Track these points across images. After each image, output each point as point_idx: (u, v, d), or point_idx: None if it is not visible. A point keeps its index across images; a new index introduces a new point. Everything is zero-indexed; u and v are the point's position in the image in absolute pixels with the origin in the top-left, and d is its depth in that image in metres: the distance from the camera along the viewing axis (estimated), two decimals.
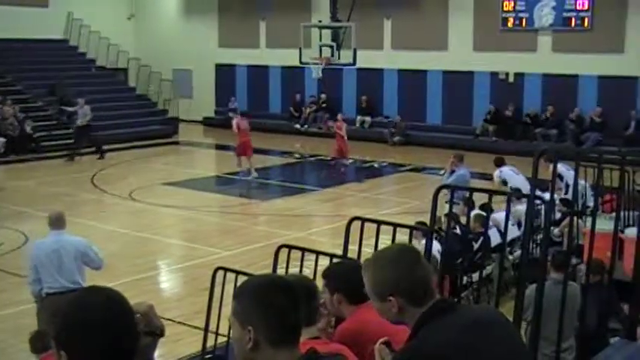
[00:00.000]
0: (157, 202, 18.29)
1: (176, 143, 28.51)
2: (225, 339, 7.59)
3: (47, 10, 31.59)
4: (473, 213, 10.76)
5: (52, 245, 8.69)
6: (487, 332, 2.79)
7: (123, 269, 12.96)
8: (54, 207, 17.21)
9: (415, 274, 2.87)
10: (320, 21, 24.46)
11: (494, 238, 10.78)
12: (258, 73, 31.54)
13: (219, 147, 28.47)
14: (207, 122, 32.67)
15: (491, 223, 9.84)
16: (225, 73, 32.56)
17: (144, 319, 2.43)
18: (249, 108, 31.81)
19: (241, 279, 7.35)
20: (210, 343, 8.01)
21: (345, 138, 21.87)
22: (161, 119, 30.65)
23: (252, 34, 31.45)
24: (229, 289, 7.49)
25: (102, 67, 32.20)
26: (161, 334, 2.50)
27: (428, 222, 7.19)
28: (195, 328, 9.62)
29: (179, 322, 9.95)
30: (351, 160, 23.89)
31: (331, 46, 22.80)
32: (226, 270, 7.63)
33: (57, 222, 8.88)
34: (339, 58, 22.83)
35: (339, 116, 23.11)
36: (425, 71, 27.43)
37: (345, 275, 4.26)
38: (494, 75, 26.24)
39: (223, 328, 7.48)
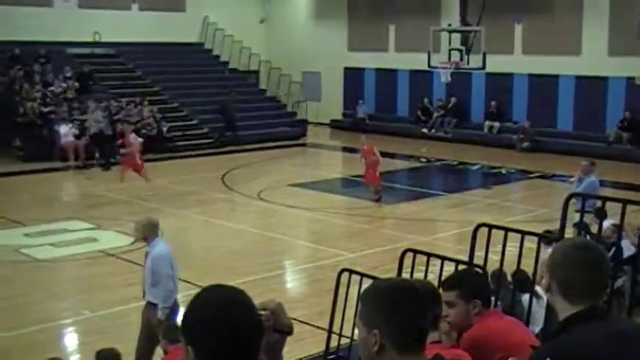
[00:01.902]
0: (284, 202, 18.62)
1: (304, 145, 28.91)
2: (348, 340, 7.67)
3: (184, 14, 32.73)
4: (607, 223, 10.45)
5: (170, 250, 8.84)
6: (633, 344, 2.76)
7: (249, 268, 13.29)
8: (186, 205, 17.92)
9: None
10: (449, 25, 24.30)
11: (628, 250, 10.43)
12: (387, 77, 31.59)
13: (346, 149, 28.68)
14: (334, 125, 32.97)
15: (624, 234, 9.53)
16: (353, 76, 32.78)
17: (273, 316, 2.50)
18: (376, 111, 32.02)
19: (366, 281, 7.43)
20: (333, 343, 8.11)
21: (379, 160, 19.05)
22: (290, 121, 31.16)
23: (381, 38, 31.54)
24: (354, 291, 7.59)
25: (234, 70, 33.06)
26: (289, 331, 2.55)
27: (556, 231, 7.05)
28: (319, 328, 9.76)
29: (302, 322, 10.11)
30: (477, 166, 23.60)
31: (460, 50, 22.61)
32: (351, 272, 7.71)
33: (157, 228, 8.91)
34: (468, 63, 22.61)
35: (364, 137, 20.08)
36: (556, 76, 26.75)
37: (481, 283, 4.25)
38: (629, 80, 25.32)
39: (347, 330, 7.57)
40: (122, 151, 20.46)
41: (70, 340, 10.56)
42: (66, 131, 24.08)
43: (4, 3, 28.00)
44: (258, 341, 2.34)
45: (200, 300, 2.32)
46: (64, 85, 26.76)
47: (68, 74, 27.35)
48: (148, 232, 8.66)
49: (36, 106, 24.87)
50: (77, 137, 24.33)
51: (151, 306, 8.75)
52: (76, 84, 27.02)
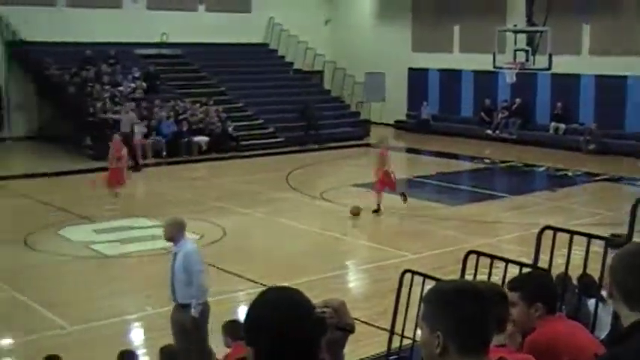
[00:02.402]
0: (346, 202, 18.66)
1: (367, 145, 28.91)
2: (410, 341, 7.69)
3: (250, 15, 33.06)
4: None
5: (197, 248, 8.79)
6: None
7: (312, 267, 13.38)
8: (250, 204, 18.08)
9: None
10: (515, 25, 24.04)
11: None
12: (451, 78, 31.39)
13: (409, 150, 28.62)
14: (398, 125, 32.89)
15: None
16: (417, 76, 32.66)
17: (336, 314, 2.55)
18: (440, 112, 31.83)
19: (429, 282, 7.45)
20: (395, 344, 8.13)
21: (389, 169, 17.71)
22: (353, 121, 31.19)
23: (445, 39, 31.36)
24: (416, 292, 7.61)
25: (299, 70, 33.25)
26: (351, 330, 2.60)
27: (624, 235, 6.96)
28: (380, 328, 9.79)
29: (364, 322, 10.15)
30: (542, 168, 23.31)
31: (526, 51, 22.36)
32: (414, 273, 7.72)
33: (185, 227, 8.75)
34: (533, 63, 22.35)
35: (383, 144, 18.70)
36: (624, 77, 26.23)
37: (545, 286, 4.23)
38: None
39: (409, 331, 7.59)
40: (115, 164, 18.79)
41: (134, 335, 10.77)
42: (136, 131, 24.53)
43: (76, 5, 28.72)
44: (317, 341, 2.38)
45: (260, 301, 2.38)
46: (133, 85, 27.31)
47: (136, 74, 27.90)
48: (175, 233, 8.52)
49: (107, 106, 25.41)
50: (145, 136, 24.80)
51: (182, 308, 8.60)
52: (144, 84, 27.54)
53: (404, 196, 17.71)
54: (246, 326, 2.37)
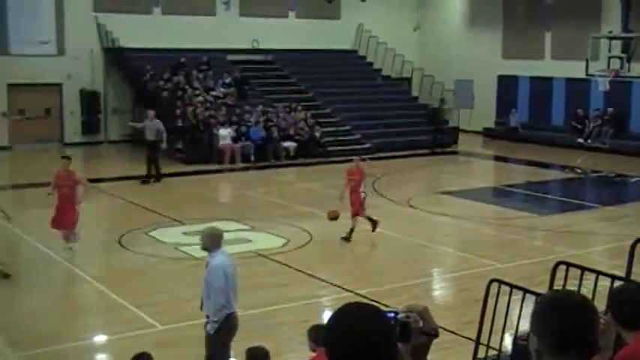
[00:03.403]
0: (433, 210, 18.59)
1: (455, 153, 28.70)
2: (495, 352, 7.63)
3: (339, 22, 33.26)
4: None
5: (230, 262, 8.47)
6: None
7: (396, 274, 13.38)
8: (334, 209, 18.16)
9: None
10: (610, 32, 23.51)
11: None
12: (541, 85, 30.87)
13: (498, 158, 28.30)
14: (486, 133, 32.53)
15: None
16: (507, 83, 32.24)
17: (420, 319, 2.60)
18: (530, 120, 31.35)
19: (516, 293, 7.39)
20: (480, 354, 8.07)
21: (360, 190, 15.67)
22: (443, 129, 30.98)
23: (536, 45, 30.87)
24: (503, 302, 7.56)
25: (387, 77, 33.25)
26: (436, 334, 2.65)
27: None
28: (465, 338, 9.73)
29: (449, 331, 10.09)
30: (636, 179, 22.71)
31: (621, 58, 21.85)
32: (501, 282, 7.65)
33: (220, 239, 8.48)
34: (628, 71, 21.82)
35: (356, 160, 16.31)
36: None
37: (636, 300, 4.15)
38: None
39: (495, 342, 7.53)
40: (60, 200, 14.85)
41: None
42: (224, 135, 25.00)
43: (172, 12, 29.46)
44: (388, 348, 2.46)
45: (337, 312, 2.51)
46: (223, 90, 27.83)
47: (227, 80, 28.42)
48: (209, 244, 8.36)
49: (198, 111, 25.96)
50: (234, 140, 25.23)
51: (207, 320, 8.50)
52: (234, 90, 28.04)
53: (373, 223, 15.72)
54: (326, 334, 2.49)
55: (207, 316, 8.41)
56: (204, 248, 8.43)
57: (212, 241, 8.32)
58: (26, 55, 27.63)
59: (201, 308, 8.58)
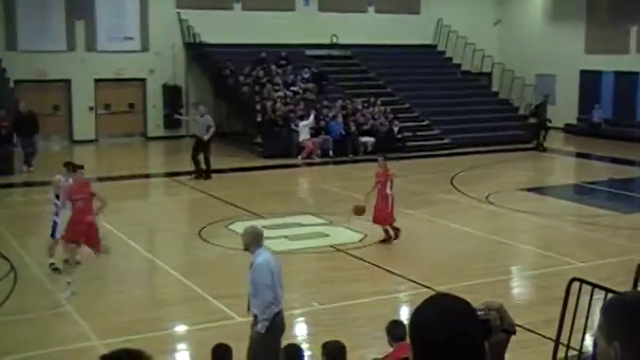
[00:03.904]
0: (513, 207, 18.36)
1: (536, 149, 28.25)
2: (576, 352, 7.52)
3: (419, 16, 33.10)
4: None
5: (274, 260, 8.30)
6: None
7: (474, 271, 13.29)
8: (414, 204, 18.12)
9: None
10: None
11: None
12: (626, 80, 30.12)
13: (580, 155, 27.73)
14: (568, 129, 31.92)
15: None
16: (589, 78, 31.55)
17: (499, 315, 2.60)
18: (613, 116, 30.63)
19: (598, 292, 7.27)
20: (560, 354, 7.97)
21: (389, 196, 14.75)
22: (522, 124, 30.54)
23: (621, 40, 30.12)
24: (584, 302, 7.44)
25: (467, 72, 32.93)
26: (514, 331, 2.64)
27: None
28: (545, 337, 9.61)
29: (528, 330, 9.98)
30: None
31: None
32: (582, 282, 7.54)
33: (262, 238, 8.35)
34: None
35: (380, 160, 15.45)
36: None
37: None
38: None
39: (575, 341, 7.43)
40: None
41: (299, 330, 11.06)
42: (303, 129, 25.16)
43: (252, 8, 29.80)
44: (481, 346, 2.41)
45: (425, 305, 2.43)
46: (302, 85, 28.02)
47: (306, 75, 28.60)
48: (250, 242, 8.25)
49: (277, 106, 26.22)
50: (313, 135, 25.38)
51: (255, 320, 8.38)
52: (313, 85, 28.20)
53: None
54: (411, 327, 2.42)
55: (255, 317, 8.30)
56: (245, 247, 8.29)
57: (252, 240, 8.22)
58: (112, 52, 28.38)
59: (248, 309, 8.48)
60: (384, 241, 14.92)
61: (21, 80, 26.56)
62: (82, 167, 13.17)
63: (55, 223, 12.68)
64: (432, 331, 2.36)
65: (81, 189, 12.51)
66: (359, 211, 14.94)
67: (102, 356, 2.71)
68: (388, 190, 14.77)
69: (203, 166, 21.76)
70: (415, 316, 2.43)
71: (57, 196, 12.85)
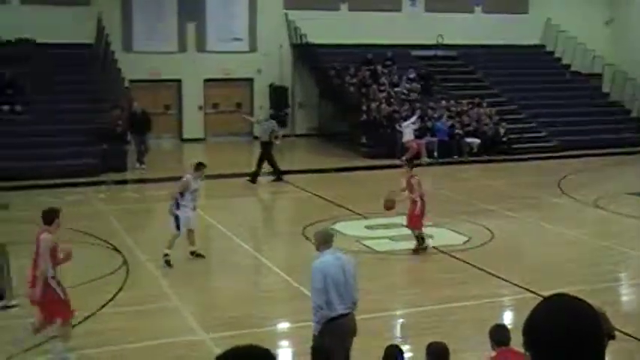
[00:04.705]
0: (622, 211, 17.89)
1: None
2: None
3: (527, 16, 32.56)
4: None
5: (336, 263, 8.05)
6: None
7: (579, 277, 13.03)
8: (520, 207, 17.91)
9: None
10: None
11: None
12: None
13: None
14: None
15: None
16: None
17: (602, 319, 2.61)
18: None
19: None
20: None
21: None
22: (635, 127, 29.63)
23: None
24: None
25: (576, 73, 32.17)
26: (613, 336, 2.66)
27: None
28: None
29: (635, 338, 9.73)
30: None
31: None
32: None
33: (330, 239, 8.24)
34: None
35: (407, 168, 15.01)
36: None
37: None
38: None
39: None
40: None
41: (399, 331, 11.09)
42: (408, 131, 25.13)
43: (358, 9, 29.99)
44: (603, 344, 2.35)
45: (544, 308, 2.37)
46: (408, 86, 28.01)
47: (411, 76, 28.58)
48: (318, 243, 8.19)
49: (382, 106, 26.30)
50: (418, 137, 25.33)
51: None
52: (419, 85, 28.15)
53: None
54: (526, 330, 2.36)
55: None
56: (317, 248, 8.27)
57: (319, 242, 8.19)
58: (221, 52, 29.07)
59: None
60: (417, 250, 14.37)
61: (135, 80, 27.52)
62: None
63: (177, 217, 13.32)
64: (559, 333, 2.28)
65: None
66: (389, 204, 14.41)
67: (230, 353, 2.42)
68: (415, 196, 14.24)
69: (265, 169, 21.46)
70: (537, 317, 2.35)
71: (181, 194, 13.39)
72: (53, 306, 9.15)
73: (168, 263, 13.20)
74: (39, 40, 25.84)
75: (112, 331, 10.32)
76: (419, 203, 14.19)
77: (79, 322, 10.25)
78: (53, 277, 9.13)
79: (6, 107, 23.57)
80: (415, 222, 14.30)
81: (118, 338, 10.07)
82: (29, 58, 25.03)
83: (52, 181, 20.12)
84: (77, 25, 26.56)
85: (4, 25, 25.87)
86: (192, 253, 13.71)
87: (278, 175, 21.63)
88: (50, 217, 9.33)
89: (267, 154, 21.42)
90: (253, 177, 21.29)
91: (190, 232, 13.61)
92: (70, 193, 19.52)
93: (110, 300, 11.47)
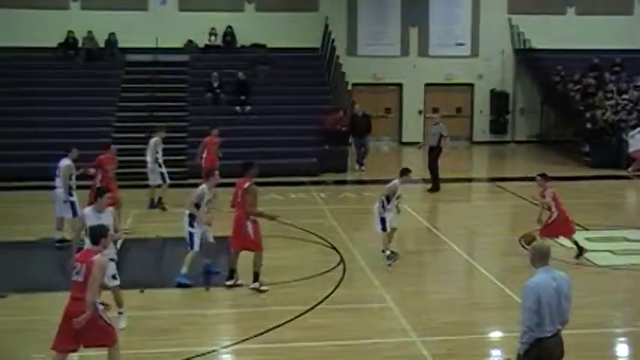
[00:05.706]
0: None
1: None
2: None
3: (632, 17, 29.93)
4: None
5: (552, 283, 7.58)
6: None
7: None
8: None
9: None
10: None
11: None
12: None
13: None
14: None
15: None
16: None
17: None
18: None
19: None
20: None
21: None
22: None
23: None
24: None
25: None
26: None
27: None
28: None
29: None
30: None
31: None
32: None
33: (547, 256, 7.66)
34: None
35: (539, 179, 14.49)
36: None
37: None
38: None
39: None
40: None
41: (619, 349, 10.70)
42: (634, 141, 23.98)
43: (586, 12, 28.98)
44: None
45: None
46: (636, 93, 26.69)
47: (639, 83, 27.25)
48: (534, 259, 7.68)
49: (607, 114, 25.26)
50: None
51: None
52: None
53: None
54: None
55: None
56: (532, 263, 7.81)
57: (533, 257, 7.73)
58: (442, 57, 29.21)
59: None
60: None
61: (357, 83, 28.27)
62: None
63: (382, 220, 13.74)
64: None
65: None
66: (529, 239, 13.73)
67: None
68: (552, 209, 14.09)
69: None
70: None
71: (387, 197, 13.80)
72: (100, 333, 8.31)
73: (391, 256, 13.70)
74: (270, 45, 27.25)
75: (329, 328, 10.73)
76: (555, 214, 14.03)
77: (298, 316, 10.80)
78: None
79: (238, 108, 25.11)
80: (551, 231, 14.12)
81: (332, 334, 10.45)
82: (261, 62, 26.56)
83: (276, 179, 21.03)
84: (305, 30, 27.71)
85: (242, 31, 27.59)
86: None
87: (435, 185, 20.67)
88: (98, 237, 8.52)
89: (432, 160, 20.73)
90: (433, 185, 20.63)
91: (393, 230, 13.99)
92: (294, 191, 20.51)
93: (327, 297, 11.94)
